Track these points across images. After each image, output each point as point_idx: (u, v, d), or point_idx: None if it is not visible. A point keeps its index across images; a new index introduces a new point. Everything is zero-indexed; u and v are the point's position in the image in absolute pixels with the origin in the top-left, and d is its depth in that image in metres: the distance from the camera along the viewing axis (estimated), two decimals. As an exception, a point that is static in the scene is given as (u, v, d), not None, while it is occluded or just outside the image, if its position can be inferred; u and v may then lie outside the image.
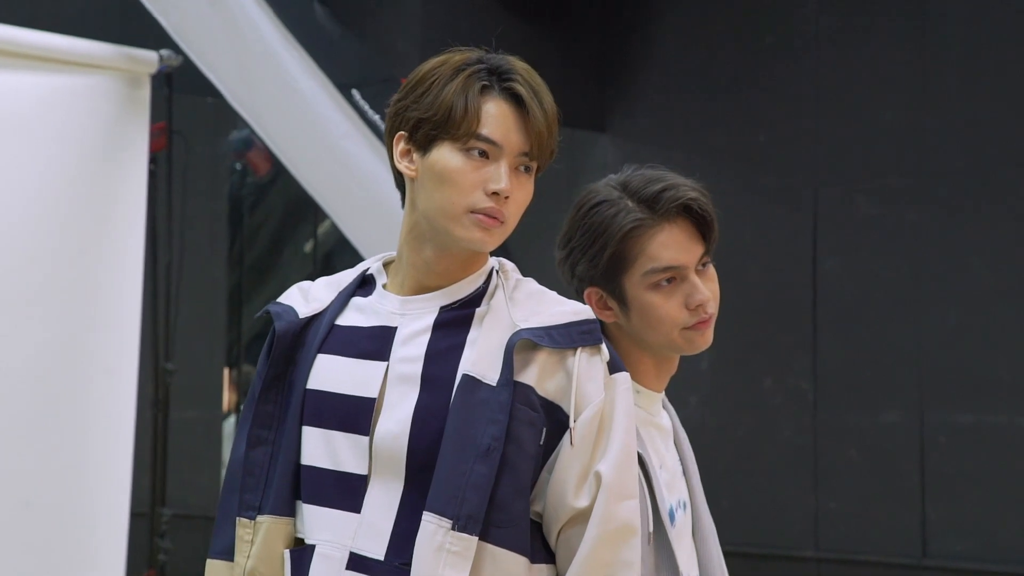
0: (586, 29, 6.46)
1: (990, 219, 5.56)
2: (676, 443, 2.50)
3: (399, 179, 2.21)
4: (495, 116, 2.12)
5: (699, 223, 2.38)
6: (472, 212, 2.10)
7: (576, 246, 2.39)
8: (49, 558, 4.42)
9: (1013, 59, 5.57)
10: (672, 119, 6.39)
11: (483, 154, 2.11)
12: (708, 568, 2.44)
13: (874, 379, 5.76)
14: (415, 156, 2.15)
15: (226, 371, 7.41)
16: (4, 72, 4.35)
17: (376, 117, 4.57)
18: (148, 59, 4.66)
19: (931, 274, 5.63)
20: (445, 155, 2.11)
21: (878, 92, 5.87)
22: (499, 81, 2.14)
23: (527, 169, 2.14)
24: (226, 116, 6.74)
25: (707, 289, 2.37)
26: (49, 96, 4.47)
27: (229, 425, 7.40)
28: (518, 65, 2.16)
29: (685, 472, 2.48)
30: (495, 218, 2.10)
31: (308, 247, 7.25)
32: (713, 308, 2.40)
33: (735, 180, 6.05)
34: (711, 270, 2.41)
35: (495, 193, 2.10)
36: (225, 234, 7.41)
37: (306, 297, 2.24)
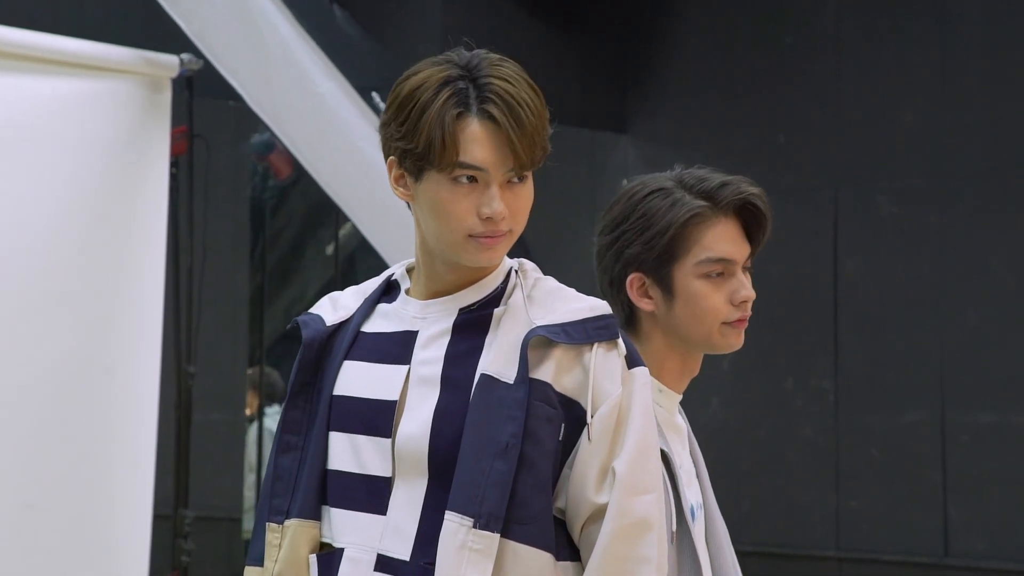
0: (606, 31, 6.47)
1: (1011, 220, 5.56)
2: (690, 448, 2.52)
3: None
4: (476, 140, 2.10)
5: (752, 223, 2.43)
6: (471, 236, 2.10)
7: (629, 229, 2.41)
8: (72, 560, 4.44)
9: (1034, 58, 5.57)
10: (692, 120, 6.39)
11: (471, 179, 2.09)
12: (723, 573, 2.45)
13: (895, 379, 5.76)
14: (409, 181, 2.14)
15: (248, 372, 7.44)
16: (27, 77, 4.37)
17: (396, 119, 4.57)
18: (169, 63, 4.67)
19: (952, 274, 5.63)
20: (434, 186, 2.10)
21: (898, 93, 5.87)
22: (477, 101, 2.10)
23: (521, 178, 2.12)
24: (247, 119, 6.76)
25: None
26: (70, 101, 4.49)
27: (253, 428, 7.42)
28: (497, 74, 2.12)
29: (698, 476, 2.49)
30: (496, 236, 2.11)
31: (329, 250, 7.26)
32: (749, 310, 2.44)
33: (755, 180, 6.05)
34: (749, 276, 2.45)
35: (489, 218, 2.09)
36: (247, 237, 7.43)
37: (335, 306, 2.26)
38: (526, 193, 2.14)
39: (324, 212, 7.07)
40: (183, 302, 5.14)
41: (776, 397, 5.96)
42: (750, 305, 2.43)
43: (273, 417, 7.55)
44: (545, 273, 2.23)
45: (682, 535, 2.36)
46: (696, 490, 2.44)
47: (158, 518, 4.78)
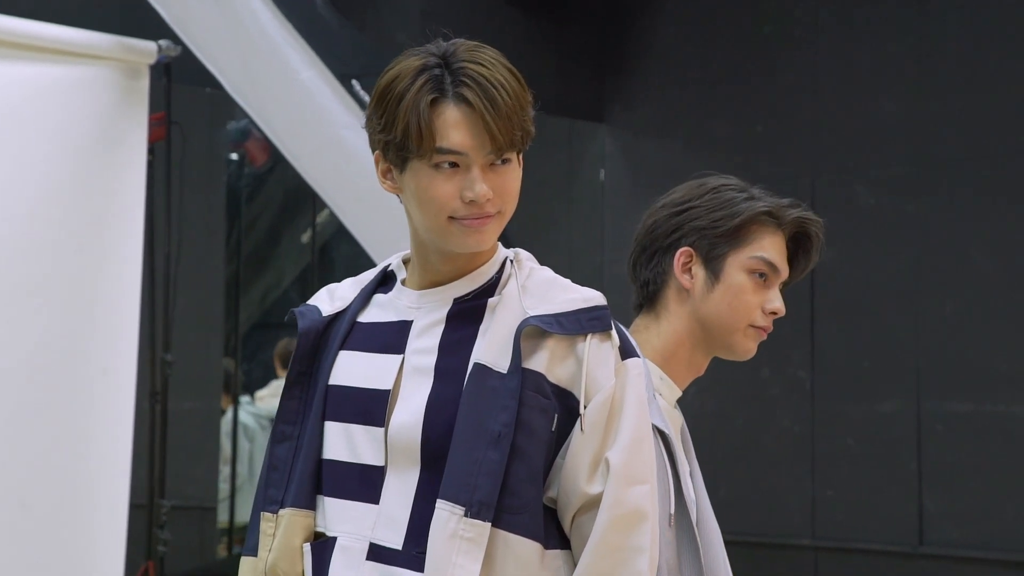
0: (584, 20, 6.49)
1: (988, 208, 5.60)
2: (683, 445, 2.56)
3: None
4: (453, 124, 2.11)
5: (800, 251, 2.55)
6: (453, 219, 2.11)
7: (701, 206, 2.50)
8: (49, 549, 4.44)
9: (1012, 49, 5.61)
10: (670, 109, 6.42)
11: (452, 164, 2.11)
12: (714, 571, 2.48)
13: (872, 368, 5.81)
14: (395, 174, 2.17)
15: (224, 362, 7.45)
16: (3, 63, 4.37)
17: (376, 107, 4.59)
18: (147, 49, 4.68)
19: (929, 263, 5.68)
20: (417, 174, 2.12)
21: (876, 83, 5.91)
22: (452, 85, 2.11)
23: (505, 161, 2.13)
24: (223, 106, 6.78)
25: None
26: (48, 87, 4.49)
27: (228, 417, 7.43)
28: (472, 58, 2.13)
29: (691, 474, 2.53)
30: (483, 218, 2.12)
31: (306, 237, 7.27)
32: (772, 325, 2.54)
33: (733, 170, 6.07)
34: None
35: (472, 201, 2.11)
36: (222, 225, 7.43)
37: (332, 296, 2.29)
38: (512, 174, 2.14)
39: (301, 200, 7.09)
40: (159, 290, 5.15)
41: (753, 386, 6.01)
42: (772, 320, 2.51)
43: (246, 408, 7.57)
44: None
45: (681, 517, 2.40)
46: (690, 488, 2.47)
47: (133, 507, 4.79)
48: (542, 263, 2.26)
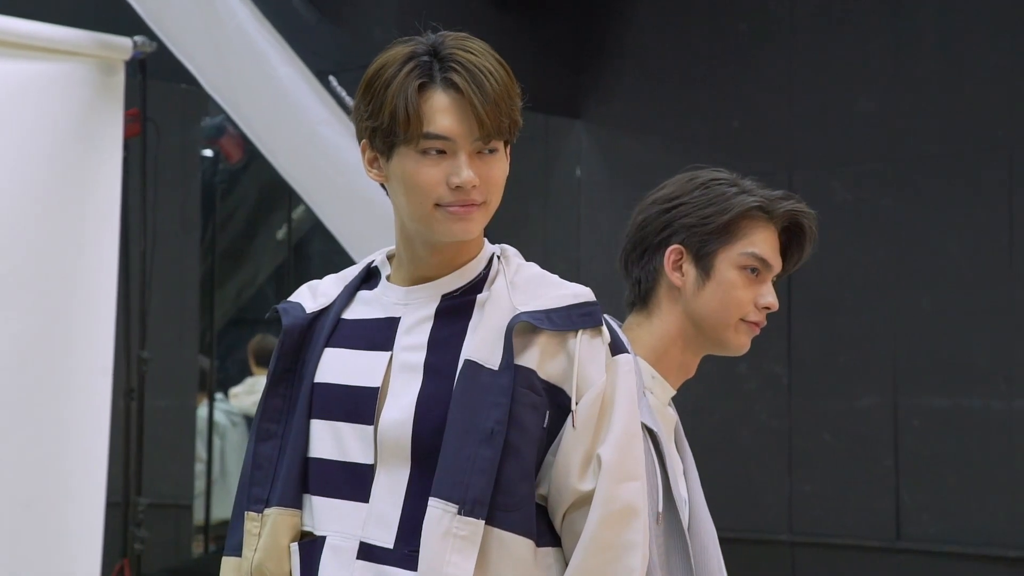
0: (561, 16, 6.50)
1: (964, 204, 5.64)
2: (677, 443, 2.57)
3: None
4: (440, 110, 2.11)
5: (793, 243, 2.55)
6: (439, 206, 2.11)
7: (690, 202, 2.49)
8: (25, 547, 4.43)
9: (986, 46, 5.64)
10: (647, 105, 6.43)
11: (440, 151, 2.11)
12: (707, 570, 2.47)
13: (848, 364, 5.83)
14: (382, 162, 2.16)
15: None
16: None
17: (352, 103, 4.60)
18: (122, 45, 4.67)
19: (905, 259, 5.71)
20: (404, 160, 2.12)
21: (853, 79, 5.94)
22: (440, 72, 2.12)
23: (492, 151, 2.13)
24: (198, 103, 6.77)
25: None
26: (23, 83, 4.47)
27: (202, 414, 7.43)
28: (460, 46, 2.14)
29: (685, 473, 2.54)
30: (468, 206, 2.12)
31: (281, 234, 7.28)
32: (766, 320, 2.55)
33: (710, 165, 6.10)
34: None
35: (459, 187, 2.11)
36: (197, 221, 7.42)
37: (314, 293, 2.28)
38: (499, 164, 2.15)
39: (276, 196, 7.09)
40: (135, 287, 5.15)
41: (729, 381, 6.03)
42: (766, 315, 2.52)
43: (218, 405, 7.56)
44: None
45: (670, 516, 2.40)
46: (683, 487, 2.48)
47: (109, 505, 4.78)
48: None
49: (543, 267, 2.25)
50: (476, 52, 2.13)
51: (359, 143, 2.21)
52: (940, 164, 5.70)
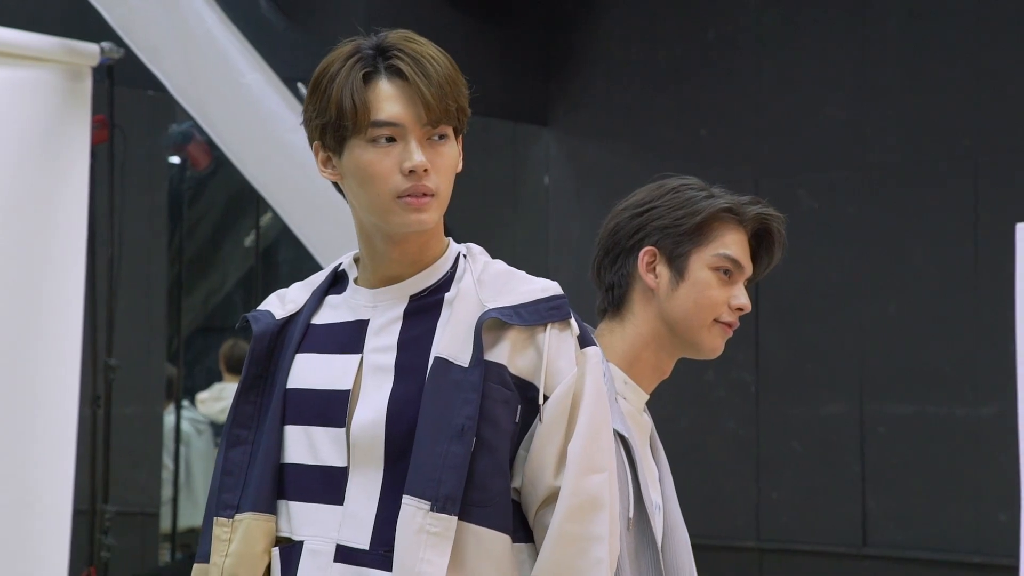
0: (529, 23, 6.52)
1: (929, 212, 5.68)
2: (653, 449, 2.58)
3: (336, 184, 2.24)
4: (387, 97, 2.12)
5: (761, 247, 2.57)
6: (399, 197, 2.12)
7: (662, 205, 2.52)
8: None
9: (951, 55, 5.69)
10: (614, 113, 6.45)
11: (390, 139, 2.12)
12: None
13: (815, 371, 5.86)
14: (335, 161, 2.17)
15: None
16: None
17: (321, 110, 4.61)
18: (90, 52, 4.66)
19: (871, 266, 5.74)
20: (356, 153, 2.13)
21: (819, 87, 5.98)
22: (383, 60, 2.13)
23: (442, 137, 2.14)
24: (165, 109, 6.76)
25: None
26: (-10, 89, 4.47)
27: (169, 421, 7.41)
28: (404, 37, 2.15)
29: (661, 480, 2.55)
30: (423, 195, 2.12)
31: (249, 241, 7.27)
32: (739, 321, 2.57)
33: (678, 174, 6.13)
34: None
35: (412, 171, 2.11)
36: (164, 228, 7.41)
37: (283, 300, 2.28)
38: (449, 152, 2.15)
39: (244, 203, 7.09)
40: (101, 294, 5.14)
41: (697, 389, 6.06)
42: (738, 317, 2.54)
43: (184, 412, 7.54)
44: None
45: (641, 521, 2.40)
46: (657, 493, 2.50)
47: (76, 513, 4.77)
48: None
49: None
50: (419, 42, 2.16)
51: (311, 146, 2.21)
52: (906, 172, 5.74)
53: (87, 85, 4.65)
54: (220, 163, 6.69)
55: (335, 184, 2.25)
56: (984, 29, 5.62)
